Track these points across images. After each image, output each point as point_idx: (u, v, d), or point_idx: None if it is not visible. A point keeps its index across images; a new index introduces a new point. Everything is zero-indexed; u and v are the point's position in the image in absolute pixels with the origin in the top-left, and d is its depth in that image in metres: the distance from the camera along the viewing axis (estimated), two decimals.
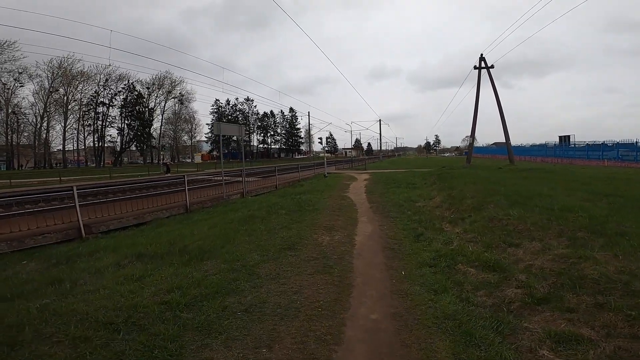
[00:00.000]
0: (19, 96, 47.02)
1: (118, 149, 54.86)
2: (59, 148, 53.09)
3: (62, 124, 50.72)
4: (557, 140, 40.73)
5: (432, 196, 9.82)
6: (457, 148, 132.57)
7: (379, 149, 79.38)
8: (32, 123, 48.99)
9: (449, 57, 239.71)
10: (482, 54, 22.21)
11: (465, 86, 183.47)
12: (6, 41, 41.11)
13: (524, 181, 10.73)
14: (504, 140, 21.81)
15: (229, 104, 75.21)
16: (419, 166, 29.76)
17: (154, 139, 58.01)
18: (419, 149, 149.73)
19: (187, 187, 11.30)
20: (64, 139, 52.27)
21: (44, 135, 49.92)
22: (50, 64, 46.93)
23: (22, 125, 47.93)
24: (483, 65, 21.88)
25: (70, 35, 50.36)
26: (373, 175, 19.82)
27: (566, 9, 20.95)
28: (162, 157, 62.14)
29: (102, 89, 50.75)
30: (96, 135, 51.58)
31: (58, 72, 48.60)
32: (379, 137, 67.05)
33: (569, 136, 39.61)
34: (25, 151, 49.93)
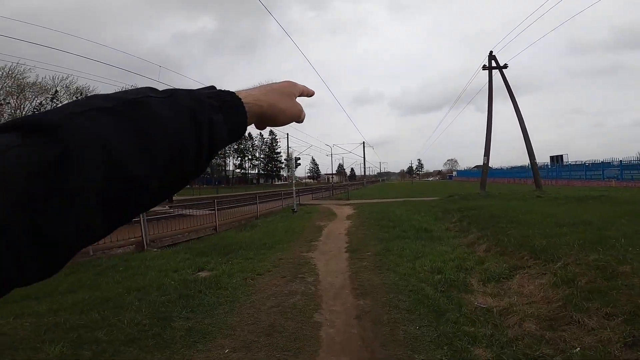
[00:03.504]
0: None
1: None
2: None
3: None
4: (547, 160, 38.39)
5: (502, 273, 4.46)
6: (440, 172, 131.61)
7: (362, 174, 74.99)
8: None
9: (427, 82, 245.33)
10: (491, 51, 18.04)
11: (443, 110, 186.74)
12: None
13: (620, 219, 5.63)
14: (527, 161, 17.19)
15: None
16: (411, 193, 24.80)
17: None
18: (402, 173, 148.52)
19: None
20: None
21: None
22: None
23: None
24: (494, 64, 17.62)
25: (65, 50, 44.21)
26: (359, 209, 14.52)
27: (533, 34, 18.00)
28: None
29: (48, 101, 44.34)
30: None
31: (7, 82, 42.21)
32: (362, 162, 62.80)
33: (561, 156, 37.22)
34: None
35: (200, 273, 5.26)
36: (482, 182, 16.13)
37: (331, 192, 29.92)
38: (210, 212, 15.21)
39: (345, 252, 6.42)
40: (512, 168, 48.43)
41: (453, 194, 15.68)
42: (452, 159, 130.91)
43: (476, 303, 3.89)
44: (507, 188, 23.59)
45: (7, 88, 40.44)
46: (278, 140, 79.89)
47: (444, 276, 4.59)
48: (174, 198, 19.12)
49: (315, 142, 68.23)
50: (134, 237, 8.48)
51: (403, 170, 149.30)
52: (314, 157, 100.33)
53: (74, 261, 6.99)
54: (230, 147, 74.12)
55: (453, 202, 12.20)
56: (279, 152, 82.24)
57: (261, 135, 79.19)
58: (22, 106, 43.52)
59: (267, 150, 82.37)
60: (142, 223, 8.32)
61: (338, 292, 4.29)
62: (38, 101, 43.56)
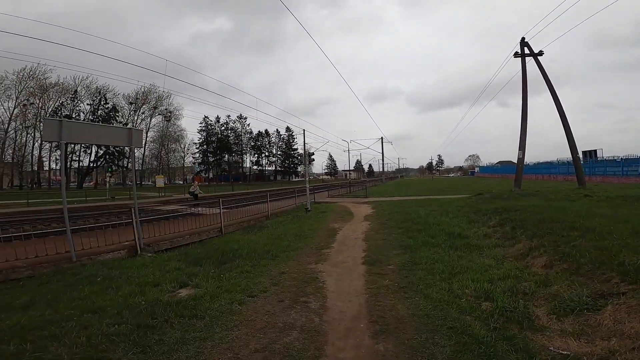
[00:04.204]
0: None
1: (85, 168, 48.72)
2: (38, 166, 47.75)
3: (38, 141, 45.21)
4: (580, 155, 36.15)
5: (582, 302, 3.19)
6: (461, 168, 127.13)
7: (380, 170, 73.08)
8: (12, 138, 43.48)
9: (445, 78, 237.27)
10: (523, 38, 16.20)
11: (462, 105, 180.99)
12: None
13: None
14: (565, 155, 15.44)
15: (218, 122, 69.77)
16: (433, 191, 23.21)
17: (126, 158, 51.95)
18: (421, 169, 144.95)
19: None
20: (39, 157, 46.79)
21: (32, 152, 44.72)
22: (20, 74, 41.64)
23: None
24: (527, 51, 15.80)
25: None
26: (378, 208, 13.28)
27: (560, 27, 15.96)
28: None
29: (69, 102, 45.26)
30: (57, 153, 45.91)
31: (30, 83, 43.43)
32: (380, 158, 60.82)
33: (595, 151, 35.14)
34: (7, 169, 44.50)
35: (181, 291, 4.27)
36: (516, 178, 14.47)
37: (348, 189, 28.69)
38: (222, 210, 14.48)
39: (362, 264, 5.27)
40: (539, 164, 45.82)
41: (482, 192, 14.14)
42: (473, 155, 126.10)
43: (552, 348, 2.69)
44: (540, 185, 21.61)
45: (30, 89, 41.55)
46: (295, 136, 79.06)
47: (495, 304, 3.39)
48: (199, 194, 18.12)
49: (333, 138, 66.88)
50: (127, 241, 7.67)
51: (422, 167, 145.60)
52: (331, 154, 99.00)
53: (56, 268, 6.20)
54: (247, 144, 74.10)
55: (485, 202, 10.75)
56: (296, 149, 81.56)
57: (278, 131, 78.74)
58: (45, 106, 44.65)
59: (284, 146, 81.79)
60: (134, 225, 7.48)
61: (350, 327, 3.17)
62: (60, 101, 44.54)
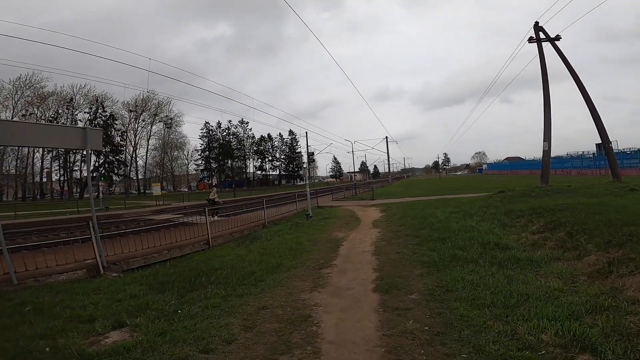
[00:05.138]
0: None
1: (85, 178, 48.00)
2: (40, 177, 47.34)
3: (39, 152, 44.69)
4: (592, 149, 35.78)
5: None
6: (468, 166, 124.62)
7: (386, 171, 71.32)
8: (14, 149, 42.96)
9: (448, 76, 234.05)
10: (537, 22, 14.67)
11: (466, 103, 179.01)
12: None
13: None
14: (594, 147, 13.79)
15: (220, 127, 68.80)
16: (444, 190, 21.68)
17: (125, 166, 51.15)
18: (427, 169, 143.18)
19: None
20: (41, 167, 46.32)
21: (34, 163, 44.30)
22: (16, 83, 41.07)
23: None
24: (542, 36, 14.28)
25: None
26: (387, 211, 11.83)
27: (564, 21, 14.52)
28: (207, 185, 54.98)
29: (65, 110, 44.60)
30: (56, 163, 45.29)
31: (26, 92, 42.90)
32: (385, 158, 59.25)
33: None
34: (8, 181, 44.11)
35: (110, 334, 2.95)
36: (542, 174, 12.87)
37: (354, 191, 27.24)
38: (220, 218, 13.14)
39: (373, 290, 3.86)
40: (552, 158, 44.30)
41: (503, 189, 12.61)
42: (480, 152, 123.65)
43: None
44: (558, 180, 19.97)
45: (27, 98, 40.97)
46: (298, 139, 77.85)
47: None
48: (217, 200, 16.47)
49: (336, 139, 65.38)
50: (89, 259, 6.36)
51: (428, 166, 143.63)
52: (335, 156, 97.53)
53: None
54: (250, 149, 73.09)
55: (513, 200, 9.26)
56: (300, 152, 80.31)
57: (281, 135, 77.63)
58: (45, 115, 44.07)
59: (287, 150, 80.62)
60: (93, 240, 6.17)
61: None
62: (55, 110, 43.90)
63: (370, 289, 3.92)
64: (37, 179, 47.21)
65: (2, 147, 41.63)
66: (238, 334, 2.91)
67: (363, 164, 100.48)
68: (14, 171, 44.58)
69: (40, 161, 46.32)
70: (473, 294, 3.38)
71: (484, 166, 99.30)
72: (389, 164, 60.85)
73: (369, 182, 51.31)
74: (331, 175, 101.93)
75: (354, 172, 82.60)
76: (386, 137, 52.88)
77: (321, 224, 9.96)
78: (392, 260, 5.07)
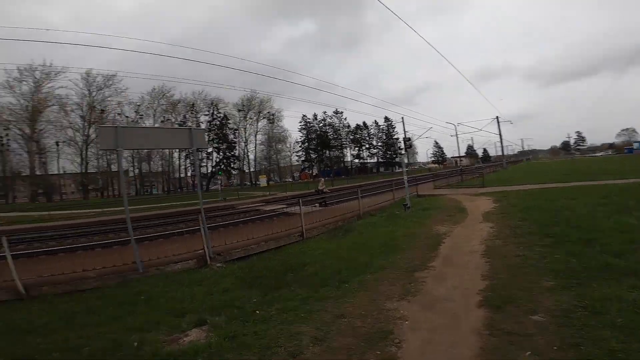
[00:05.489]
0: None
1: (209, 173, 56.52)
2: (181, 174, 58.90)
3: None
4: None
5: None
6: (612, 145, 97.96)
7: (498, 154, 62.20)
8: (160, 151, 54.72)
9: (568, 47, 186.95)
10: None
11: (601, 75, 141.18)
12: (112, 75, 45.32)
13: None
14: None
15: (316, 119, 71.50)
16: (580, 174, 17.38)
17: (239, 160, 58.20)
18: (553, 150, 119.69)
19: None
20: (179, 165, 57.17)
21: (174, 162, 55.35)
22: (152, 94, 51.22)
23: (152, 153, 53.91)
24: None
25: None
26: (502, 201, 9.95)
27: None
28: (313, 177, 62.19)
29: (189, 114, 53.26)
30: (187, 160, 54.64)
31: (162, 101, 53.11)
32: (497, 140, 51.52)
33: None
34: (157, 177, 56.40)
35: (190, 333, 3.01)
36: None
37: (460, 177, 24.50)
38: (314, 208, 13.48)
39: (479, 305, 3.04)
40: None
41: None
42: (628, 129, 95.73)
43: None
44: None
45: (163, 106, 50.69)
46: (394, 125, 74.92)
47: None
48: (326, 190, 16.89)
49: (437, 123, 59.70)
50: (198, 250, 7.13)
51: (555, 147, 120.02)
52: (437, 140, 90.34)
53: (123, 279, 5.90)
54: (346, 138, 73.89)
55: None
56: (397, 138, 77.19)
57: (376, 122, 75.97)
58: (176, 119, 53.54)
59: (384, 137, 78.51)
60: (202, 232, 6.86)
61: None
62: (183, 114, 53.01)
63: (475, 302, 3.12)
64: (176, 175, 58.01)
65: (145, 150, 52.87)
66: (305, 348, 2.60)
67: (469, 148, 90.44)
68: (160, 169, 55.71)
69: (178, 160, 56.74)
70: (634, 321, 2.29)
71: (635, 145, 76.38)
72: (502, 146, 52.90)
73: (478, 167, 45.64)
74: (433, 160, 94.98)
75: (459, 156, 74.98)
76: (497, 117, 45.94)
77: (420, 216, 9.03)
78: (509, 266, 4.02)
